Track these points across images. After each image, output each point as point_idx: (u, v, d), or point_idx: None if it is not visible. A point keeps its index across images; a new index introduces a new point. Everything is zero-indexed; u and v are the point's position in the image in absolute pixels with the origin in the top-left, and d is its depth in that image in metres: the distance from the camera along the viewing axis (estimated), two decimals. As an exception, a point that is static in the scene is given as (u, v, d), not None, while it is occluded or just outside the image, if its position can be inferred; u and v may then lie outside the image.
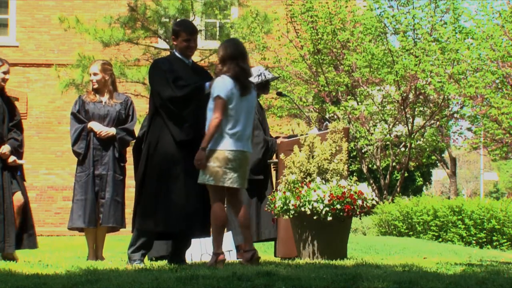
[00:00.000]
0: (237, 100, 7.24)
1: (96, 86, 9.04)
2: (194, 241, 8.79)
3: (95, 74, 9.03)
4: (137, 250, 7.62)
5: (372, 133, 20.00)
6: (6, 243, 8.60)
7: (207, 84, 7.50)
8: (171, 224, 7.52)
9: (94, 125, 8.91)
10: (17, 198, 8.75)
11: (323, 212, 8.26)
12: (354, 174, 19.67)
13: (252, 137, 7.49)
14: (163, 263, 7.83)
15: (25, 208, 8.86)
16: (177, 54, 7.78)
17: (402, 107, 19.72)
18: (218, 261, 7.19)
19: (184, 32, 7.68)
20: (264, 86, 9.86)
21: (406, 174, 22.68)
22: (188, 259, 8.60)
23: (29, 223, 8.90)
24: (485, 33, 17.89)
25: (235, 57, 7.30)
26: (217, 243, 7.27)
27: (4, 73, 8.88)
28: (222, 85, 7.23)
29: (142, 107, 21.53)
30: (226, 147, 7.21)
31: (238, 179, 7.28)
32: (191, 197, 7.52)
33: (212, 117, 7.20)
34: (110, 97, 9.07)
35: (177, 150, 7.53)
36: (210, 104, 7.28)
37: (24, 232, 8.83)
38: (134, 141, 9.04)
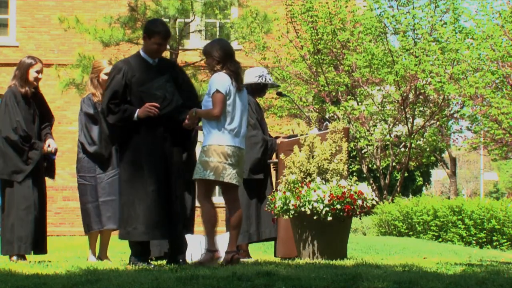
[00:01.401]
0: (233, 96, 7.31)
1: None
2: (194, 241, 8.80)
3: None
4: (139, 256, 7.61)
5: (372, 133, 19.99)
6: (35, 244, 8.62)
7: (137, 113, 7.45)
8: (150, 233, 7.47)
9: None
10: None
11: (323, 212, 8.26)
12: (354, 174, 19.67)
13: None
14: (163, 263, 7.84)
15: (44, 210, 8.88)
16: (142, 54, 7.66)
17: (402, 107, 19.72)
18: (215, 258, 7.21)
19: (159, 36, 7.56)
20: (261, 89, 9.83)
21: (406, 174, 22.68)
22: (188, 259, 8.61)
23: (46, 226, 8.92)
24: (485, 33, 17.89)
25: (231, 54, 7.44)
26: (212, 240, 7.28)
27: (37, 72, 8.76)
28: (220, 80, 7.28)
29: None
30: (225, 142, 7.25)
31: (236, 176, 7.32)
32: (168, 200, 7.48)
33: (212, 109, 7.22)
34: None
35: (146, 155, 7.48)
36: (206, 102, 7.31)
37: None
38: None
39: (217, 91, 7.24)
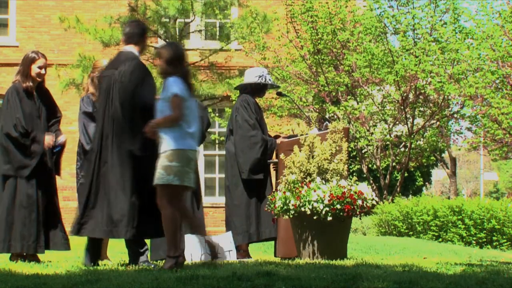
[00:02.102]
0: (188, 99, 7.28)
1: None
2: (194, 241, 8.80)
3: None
4: (139, 256, 7.63)
5: (372, 133, 19.99)
6: (38, 243, 8.50)
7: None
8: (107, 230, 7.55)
9: None
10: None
11: (323, 212, 8.26)
12: (354, 174, 19.66)
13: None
14: (163, 263, 7.84)
15: (55, 207, 8.77)
16: (138, 54, 7.82)
17: (402, 107, 19.72)
18: (179, 264, 7.11)
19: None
20: (260, 89, 9.84)
21: (406, 174, 22.67)
22: (188, 259, 8.62)
23: (60, 223, 8.81)
24: (485, 33, 17.88)
25: (182, 58, 7.38)
26: (175, 246, 7.15)
27: (40, 67, 8.61)
28: (176, 83, 7.23)
29: (142, 107, 21.54)
30: (188, 146, 7.19)
31: (193, 179, 7.30)
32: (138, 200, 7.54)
33: (173, 114, 7.15)
34: None
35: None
36: (162, 107, 7.24)
37: (55, 232, 8.71)
38: None
39: (176, 94, 7.17)
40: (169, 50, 7.36)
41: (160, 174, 7.15)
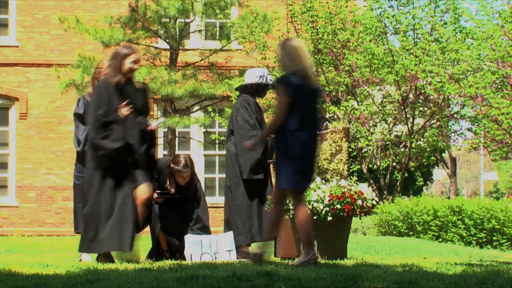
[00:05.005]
0: None
1: None
2: (194, 241, 8.80)
3: None
4: None
5: (372, 133, 20.00)
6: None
7: None
8: None
9: None
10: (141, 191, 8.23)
11: (323, 212, 8.27)
12: (354, 174, 19.65)
13: None
14: (163, 263, 7.84)
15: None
16: None
17: (402, 107, 19.73)
18: None
19: None
20: (261, 89, 9.85)
21: (406, 174, 22.68)
22: (188, 259, 8.62)
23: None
24: (485, 33, 17.89)
25: None
26: None
27: (133, 62, 8.23)
28: None
29: (142, 107, 21.53)
30: None
31: None
32: None
33: None
34: None
35: None
36: None
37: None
38: None
39: None
40: None
41: None
